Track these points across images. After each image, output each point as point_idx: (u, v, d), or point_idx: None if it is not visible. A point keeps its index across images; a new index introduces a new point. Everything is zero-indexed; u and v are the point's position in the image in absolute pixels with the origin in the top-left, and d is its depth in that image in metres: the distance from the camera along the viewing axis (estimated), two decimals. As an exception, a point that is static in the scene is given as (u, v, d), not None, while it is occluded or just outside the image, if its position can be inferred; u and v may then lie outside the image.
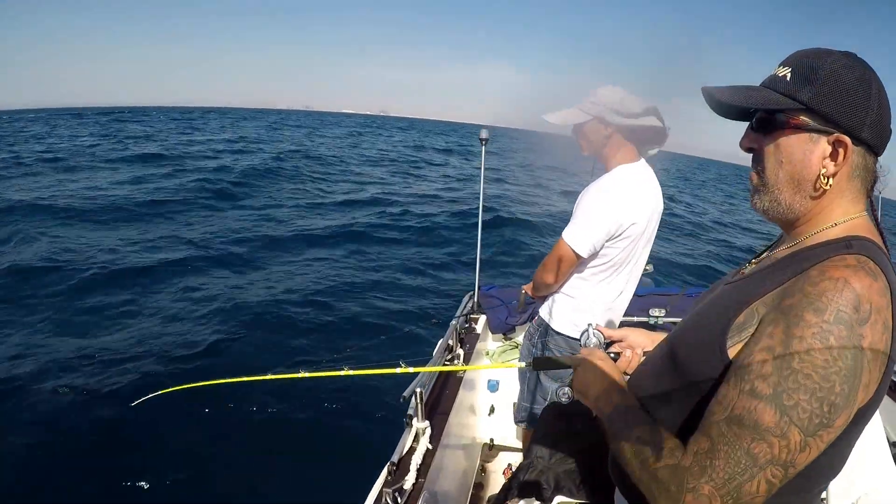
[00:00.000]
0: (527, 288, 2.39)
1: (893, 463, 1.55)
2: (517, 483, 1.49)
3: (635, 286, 2.22)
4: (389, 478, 1.67)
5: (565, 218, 2.07)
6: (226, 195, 13.66)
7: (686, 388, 0.91)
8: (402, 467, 1.72)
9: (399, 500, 1.59)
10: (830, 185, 0.87)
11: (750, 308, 0.85)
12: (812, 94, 0.85)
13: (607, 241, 1.98)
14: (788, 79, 0.89)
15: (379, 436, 4.01)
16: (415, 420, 1.87)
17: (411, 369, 1.66)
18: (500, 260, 9.35)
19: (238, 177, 16.15)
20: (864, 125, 0.84)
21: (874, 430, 1.57)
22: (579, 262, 2.05)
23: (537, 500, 1.45)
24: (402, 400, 1.86)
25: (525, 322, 3.20)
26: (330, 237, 10.10)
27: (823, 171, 0.87)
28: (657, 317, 2.97)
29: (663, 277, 8.71)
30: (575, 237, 1.96)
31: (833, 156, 0.86)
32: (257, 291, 7.05)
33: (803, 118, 0.87)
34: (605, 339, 1.38)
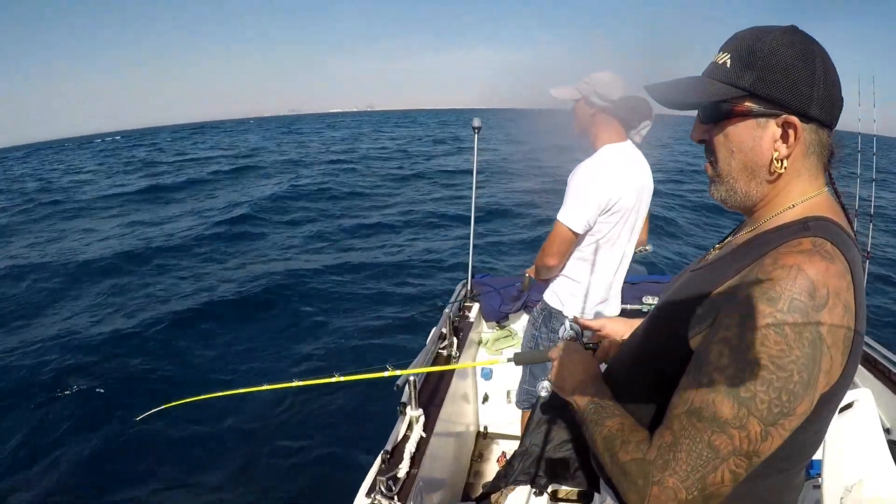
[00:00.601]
0: (530, 271, 2.40)
1: (888, 450, 1.56)
2: (511, 471, 1.49)
3: (629, 264, 2.28)
4: (383, 466, 1.67)
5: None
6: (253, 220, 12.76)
7: (654, 380, 0.91)
8: (395, 455, 1.72)
9: (393, 487, 1.59)
10: (785, 168, 0.85)
11: (709, 298, 0.84)
12: (753, 79, 0.83)
13: (599, 215, 2.05)
14: (728, 65, 0.87)
15: (372, 431, 4.07)
16: (408, 408, 1.87)
17: (398, 372, 1.67)
18: (502, 249, 9.37)
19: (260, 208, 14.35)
20: (812, 101, 0.82)
21: (869, 417, 1.58)
22: (577, 241, 2.12)
23: (532, 487, 1.45)
24: (395, 388, 1.85)
25: (518, 310, 3.20)
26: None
27: (776, 154, 0.85)
28: (650, 304, 2.98)
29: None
30: (569, 216, 2.03)
31: (784, 138, 0.84)
32: (252, 306, 7.11)
33: (748, 104, 0.85)
34: (582, 330, 1.37)
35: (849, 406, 1.64)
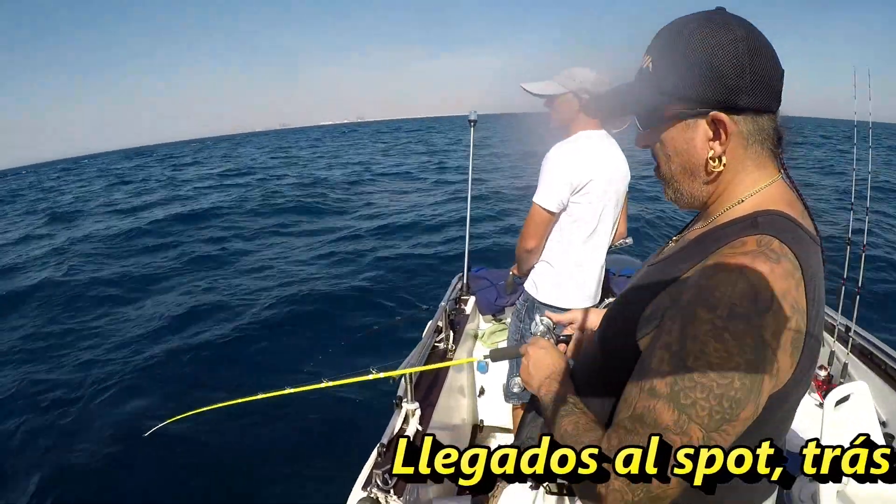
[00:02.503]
0: (514, 269, 2.42)
1: (884, 442, 1.56)
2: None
3: (606, 250, 2.30)
4: (379, 459, 1.67)
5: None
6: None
7: (609, 379, 0.89)
8: (391, 449, 1.71)
9: (389, 481, 1.58)
10: (724, 165, 0.83)
11: (657, 299, 0.81)
12: (675, 80, 0.80)
13: (572, 194, 2.09)
14: (651, 69, 0.84)
15: (366, 427, 4.01)
16: (405, 402, 1.87)
17: (381, 375, 1.71)
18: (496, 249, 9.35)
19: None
20: (740, 91, 0.77)
21: (865, 410, 1.58)
22: (553, 224, 2.16)
23: (528, 480, 1.44)
24: (391, 382, 1.85)
25: (514, 303, 3.20)
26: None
27: (710, 153, 0.82)
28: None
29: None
30: (543, 196, 2.08)
31: (716, 135, 0.81)
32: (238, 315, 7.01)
33: (674, 107, 0.82)
34: (554, 325, 1.36)
35: (845, 399, 1.64)
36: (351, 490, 1.60)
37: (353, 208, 14.27)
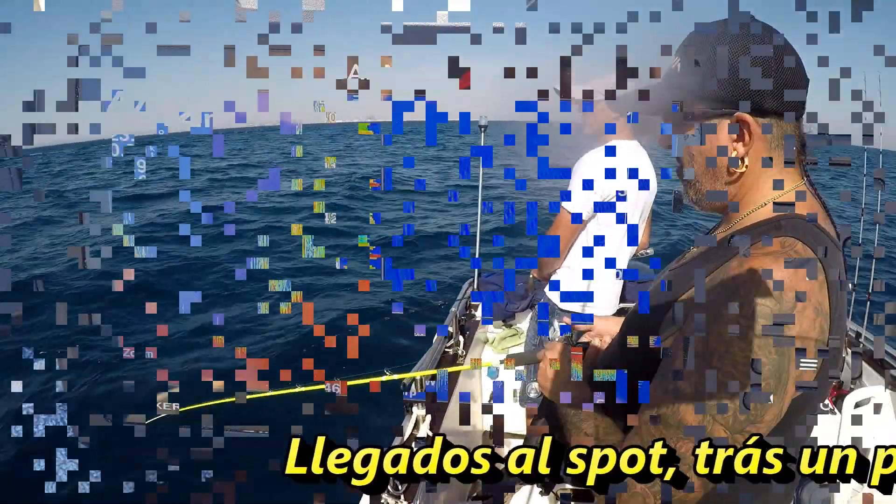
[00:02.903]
0: (534, 272, 2.42)
1: None
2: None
3: (628, 258, 2.31)
4: None
5: None
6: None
7: (630, 382, 0.89)
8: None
9: (399, 486, 1.58)
10: (747, 166, 0.83)
11: (679, 301, 0.81)
12: (701, 80, 0.81)
13: (600, 201, 2.08)
14: (679, 69, 0.85)
15: (378, 433, 4.04)
16: (415, 407, 1.87)
17: (395, 376, 1.72)
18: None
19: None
20: (766, 94, 0.78)
21: (885, 414, 1.57)
22: (579, 230, 2.16)
23: (538, 486, 1.44)
24: (401, 387, 1.85)
25: (525, 308, 3.19)
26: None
27: (734, 154, 0.82)
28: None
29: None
30: (571, 201, 2.07)
31: (740, 136, 0.81)
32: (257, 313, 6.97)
33: (699, 107, 0.83)
34: (573, 330, 1.38)
35: (865, 402, 1.62)
36: (360, 496, 1.59)
37: (365, 214, 14.32)
